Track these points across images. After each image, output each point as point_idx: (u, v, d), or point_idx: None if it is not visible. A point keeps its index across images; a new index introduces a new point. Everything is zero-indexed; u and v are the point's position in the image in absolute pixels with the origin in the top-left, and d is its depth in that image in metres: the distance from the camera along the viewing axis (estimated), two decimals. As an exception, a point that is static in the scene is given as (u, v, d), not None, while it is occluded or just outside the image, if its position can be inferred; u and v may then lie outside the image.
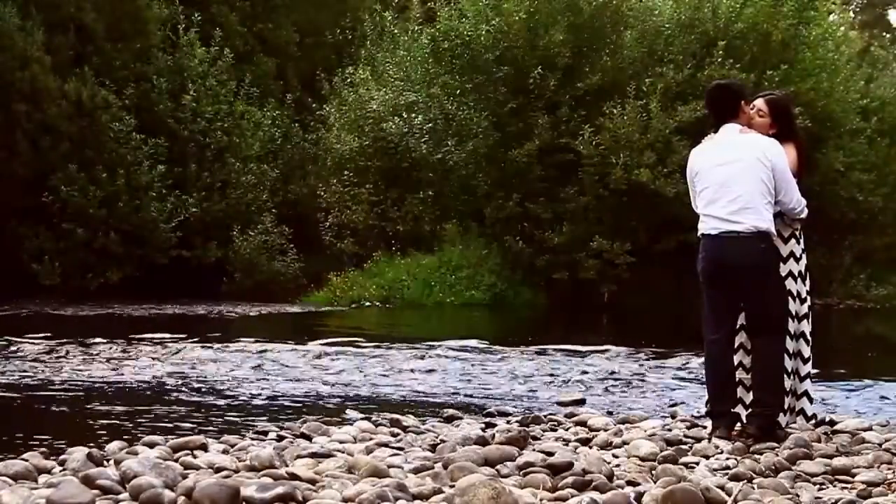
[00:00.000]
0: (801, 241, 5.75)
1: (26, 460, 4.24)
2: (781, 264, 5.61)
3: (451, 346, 11.23)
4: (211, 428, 5.85)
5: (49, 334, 11.57)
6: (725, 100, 5.67)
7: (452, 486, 3.85)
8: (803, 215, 5.64)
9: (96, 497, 3.57)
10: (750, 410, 5.47)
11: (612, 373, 9.07)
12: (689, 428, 5.71)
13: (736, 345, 5.62)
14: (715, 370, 5.55)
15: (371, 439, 5.20)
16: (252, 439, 5.24)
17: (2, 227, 22.49)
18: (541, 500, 3.84)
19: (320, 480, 4.00)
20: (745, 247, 5.36)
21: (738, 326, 5.62)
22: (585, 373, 9.06)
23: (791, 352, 5.61)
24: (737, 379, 5.60)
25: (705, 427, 5.58)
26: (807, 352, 5.68)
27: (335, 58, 30.34)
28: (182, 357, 9.89)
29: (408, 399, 7.56)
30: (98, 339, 11.18)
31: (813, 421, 5.73)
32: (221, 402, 7.15)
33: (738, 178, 5.40)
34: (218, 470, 4.16)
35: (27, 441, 5.27)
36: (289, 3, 31.07)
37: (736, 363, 5.60)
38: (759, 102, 5.82)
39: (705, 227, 5.51)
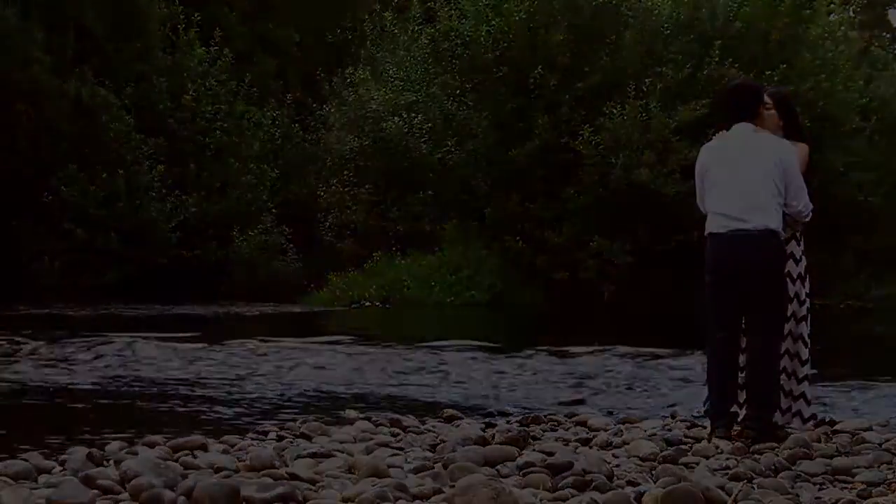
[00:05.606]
0: (802, 243, 5.73)
1: (26, 460, 4.24)
2: (782, 265, 5.60)
3: (450, 346, 11.22)
4: (211, 428, 5.84)
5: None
6: (746, 100, 5.58)
7: (452, 486, 3.85)
8: (808, 219, 5.61)
9: (96, 497, 3.57)
10: (746, 410, 5.46)
11: (612, 373, 9.06)
12: (689, 428, 5.71)
13: None
14: (719, 369, 5.51)
15: (371, 439, 5.19)
16: (252, 439, 5.23)
17: (2, 227, 22.48)
18: (541, 500, 3.84)
19: (320, 480, 4.00)
20: (754, 246, 5.33)
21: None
22: (585, 373, 9.06)
23: (789, 352, 5.61)
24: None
25: (705, 427, 5.57)
26: (805, 354, 5.67)
27: (335, 58, 30.35)
28: (181, 357, 9.88)
29: (408, 399, 7.55)
30: (97, 339, 11.16)
31: (810, 422, 5.72)
32: (221, 402, 7.14)
33: (750, 178, 5.35)
34: (218, 470, 4.16)
35: (27, 441, 5.26)
36: (289, 3, 31.08)
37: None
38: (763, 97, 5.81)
39: (714, 225, 5.46)
